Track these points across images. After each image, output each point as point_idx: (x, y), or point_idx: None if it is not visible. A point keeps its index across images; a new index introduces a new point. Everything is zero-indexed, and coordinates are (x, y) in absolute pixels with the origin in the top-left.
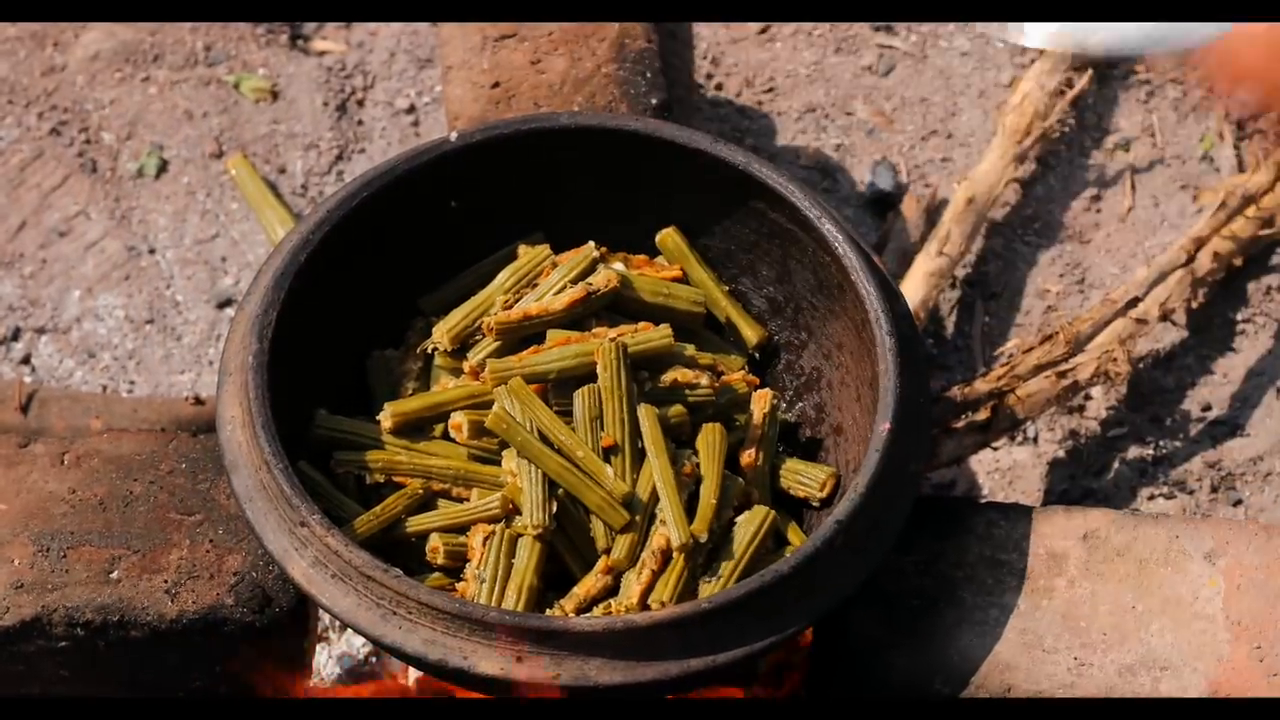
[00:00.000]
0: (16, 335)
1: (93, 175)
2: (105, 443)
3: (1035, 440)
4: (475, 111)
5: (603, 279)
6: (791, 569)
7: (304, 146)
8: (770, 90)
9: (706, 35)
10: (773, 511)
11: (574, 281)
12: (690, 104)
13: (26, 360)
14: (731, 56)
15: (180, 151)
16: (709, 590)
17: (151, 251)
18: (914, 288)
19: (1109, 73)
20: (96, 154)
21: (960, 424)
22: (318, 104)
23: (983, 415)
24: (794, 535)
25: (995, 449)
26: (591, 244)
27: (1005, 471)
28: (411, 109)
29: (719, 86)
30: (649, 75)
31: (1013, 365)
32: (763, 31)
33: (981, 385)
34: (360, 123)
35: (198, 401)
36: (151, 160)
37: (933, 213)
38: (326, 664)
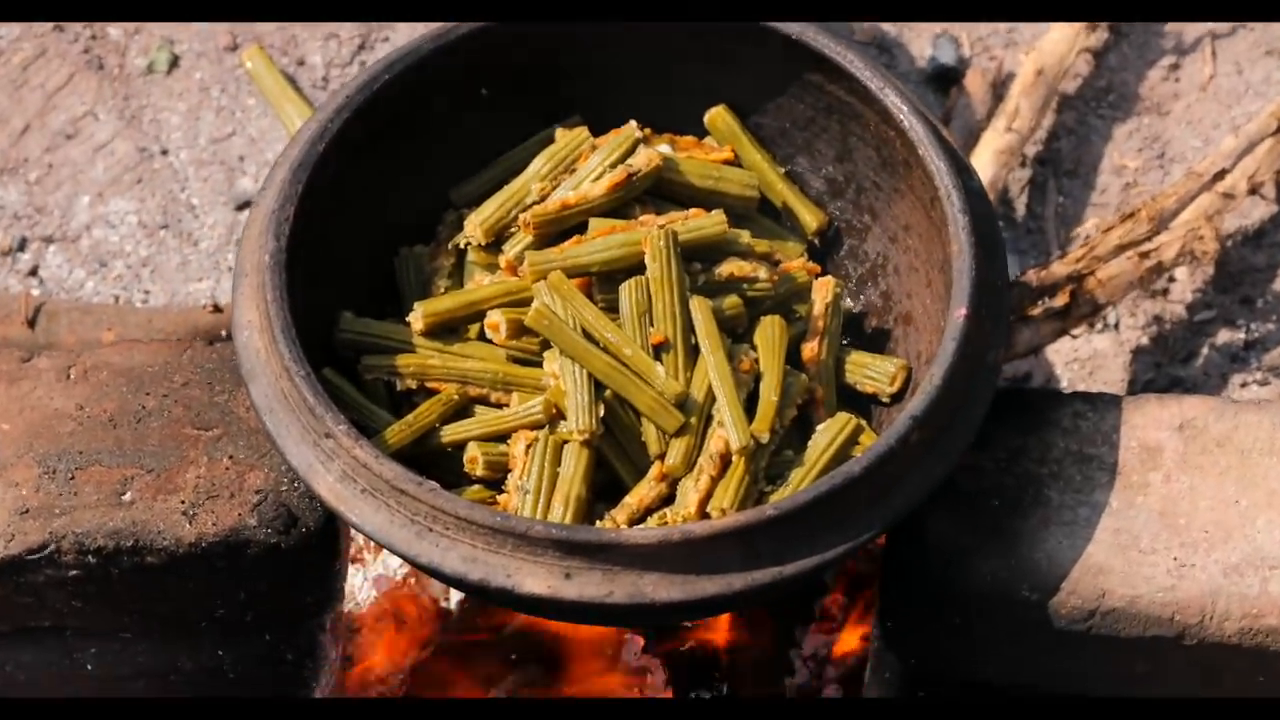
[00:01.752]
0: (23, 245)
1: (100, 73)
2: (114, 354)
3: (1116, 327)
4: None
5: (643, 159)
6: (863, 470)
7: (324, 36)
8: None
9: None
10: (856, 420)
11: (614, 165)
12: None
13: (34, 271)
14: None
15: (192, 45)
16: (776, 499)
17: (164, 152)
18: (982, 167)
19: None
20: (103, 50)
21: (1037, 311)
22: None
23: (1060, 301)
24: (864, 435)
25: (1074, 337)
26: (634, 123)
27: (1085, 361)
28: None
29: None
30: None
31: (1091, 246)
32: None
33: (1059, 268)
34: None
35: (216, 309)
36: (162, 55)
37: (999, 87)
38: (362, 587)
